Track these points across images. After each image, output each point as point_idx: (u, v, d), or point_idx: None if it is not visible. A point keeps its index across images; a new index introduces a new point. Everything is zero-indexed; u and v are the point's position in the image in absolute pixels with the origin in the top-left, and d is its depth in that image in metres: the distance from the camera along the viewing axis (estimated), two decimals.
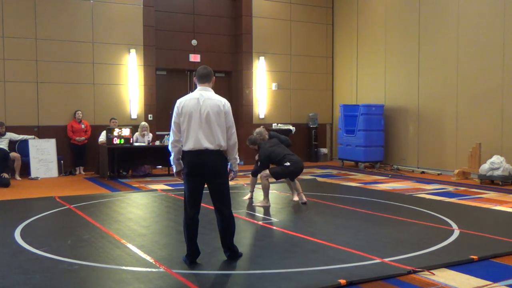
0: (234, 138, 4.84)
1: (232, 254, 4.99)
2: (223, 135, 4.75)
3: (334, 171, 13.02)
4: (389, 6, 13.85)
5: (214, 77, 4.95)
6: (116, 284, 4.29)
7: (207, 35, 14.27)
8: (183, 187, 4.86)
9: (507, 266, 4.80)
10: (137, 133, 12.05)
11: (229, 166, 4.94)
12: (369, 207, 7.85)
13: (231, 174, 4.97)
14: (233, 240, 4.99)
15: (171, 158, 4.86)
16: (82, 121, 12.23)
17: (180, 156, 4.84)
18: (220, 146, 4.74)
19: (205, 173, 4.72)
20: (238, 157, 4.95)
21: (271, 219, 6.88)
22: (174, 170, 4.94)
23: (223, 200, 4.84)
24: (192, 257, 4.83)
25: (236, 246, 5.05)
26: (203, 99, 4.74)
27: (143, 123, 12.25)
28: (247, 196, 8.43)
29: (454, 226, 6.40)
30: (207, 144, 4.67)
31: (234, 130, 4.84)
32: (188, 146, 4.70)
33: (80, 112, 12.19)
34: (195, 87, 4.94)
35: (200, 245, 5.50)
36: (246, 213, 7.28)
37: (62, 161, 12.05)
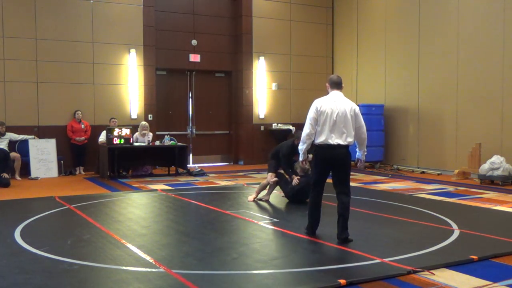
0: (365, 134, 5.76)
1: (347, 239, 5.58)
2: (350, 133, 5.60)
3: None
4: (389, 6, 13.85)
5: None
6: (116, 284, 4.29)
7: (207, 35, 14.27)
8: (312, 173, 5.86)
9: (507, 266, 4.79)
10: (137, 133, 12.04)
11: (359, 156, 5.86)
12: (369, 207, 7.85)
13: (362, 163, 5.88)
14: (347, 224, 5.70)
15: (303, 147, 5.73)
16: (82, 121, 12.23)
17: (309, 148, 5.77)
18: (348, 142, 5.60)
19: (334, 164, 5.62)
20: (366, 150, 5.88)
21: (271, 219, 6.88)
22: (301, 159, 5.87)
23: (345, 187, 5.68)
24: (313, 228, 5.85)
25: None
26: (338, 102, 5.67)
27: (143, 122, 12.24)
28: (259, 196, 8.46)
29: (454, 226, 6.40)
30: (338, 140, 5.55)
31: (364, 128, 5.76)
32: (322, 140, 5.58)
33: (80, 112, 12.19)
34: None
35: (200, 245, 5.52)
36: (246, 213, 7.28)
37: (62, 161, 12.05)
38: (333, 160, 5.59)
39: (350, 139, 5.60)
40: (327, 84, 5.93)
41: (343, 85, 5.89)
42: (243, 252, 5.28)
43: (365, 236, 5.95)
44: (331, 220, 6.91)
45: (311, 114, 5.64)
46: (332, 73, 15.83)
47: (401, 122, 13.52)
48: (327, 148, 5.57)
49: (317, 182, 5.78)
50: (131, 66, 13.00)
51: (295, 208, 7.75)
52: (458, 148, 11.90)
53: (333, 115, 5.56)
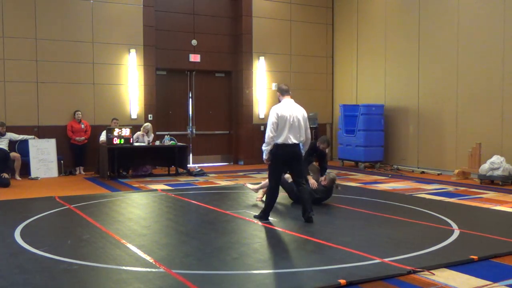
0: (309, 134, 6.85)
1: (310, 218, 6.63)
2: (302, 133, 6.70)
3: (334, 171, 12.96)
4: (389, 6, 13.85)
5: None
6: (116, 284, 4.29)
7: (207, 35, 14.27)
8: (270, 168, 6.72)
9: (507, 266, 4.80)
10: (138, 132, 12.02)
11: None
12: (369, 207, 7.85)
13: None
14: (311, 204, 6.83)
15: (267, 148, 6.62)
16: (82, 121, 12.21)
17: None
18: (301, 140, 6.72)
19: (291, 159, 6.66)
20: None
21: (271, 219, 6.88)
22: (265, 157, 6.69)
23: (302, 178, 6.85)
24: (267, 215, 6.77)
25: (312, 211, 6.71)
26: (292, 108, 6.68)
27: (148, 124, 12.21)
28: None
29: (454, 226, 6.40)
30: (294, 140, 6.60)
31: (309, 129, 6.83)
32: (281, 140, 6.55)
33: (79, 112, 12.17)
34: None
35: (200, 245, 5.52)
36: (246, 213, 7.28)
37: (62, 161, 12.05)
38: (289, 156, 6.63)
39: (302, 138, 6.73)
40: (277, 92, 6.92)
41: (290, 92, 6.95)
42: (243, 252, 5.28)
43: (365, 236, 5.95)
44: (331, 220, 6.93)
45: (272, 119, 6.57)
46: (332, 73, 15.86)
47: (401, 122, 13.52)
48: (285, 146, 6.57)
49: (276, 177, 6.74)
50: (131, 66, 13.00)
51: (295, 208, 7.74)
52: (458, 148, 11.90)
53: (290, 119, 6.58)
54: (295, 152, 6.65)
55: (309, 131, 6.83)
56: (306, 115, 6.80)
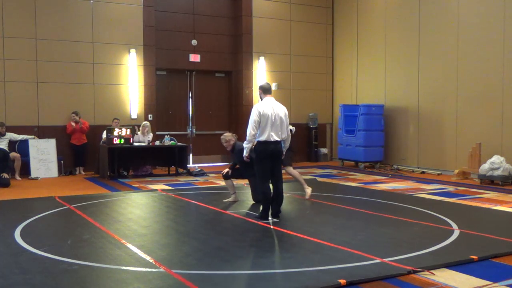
0: (289, 131, 6.99)
1: (278, 216, 6.89)
2: (284, 131, 6.83)
3: (334, 171, 13.02)
4: (389, 6, 13.85)
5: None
6: (116, 284, 4.29)
7: (207, 35, 14.27)
8: (257, 167, 6.80)
9: (507, 266, 4.79)
10: (139, 132, 12.02)
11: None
12: (369, 207, 7.85)
13: (283, 155, 7.03)
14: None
15: (248, 145, 6.79)
16: (81, 120, 12.15)
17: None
18: (282, 138, 6.83)
19: (273, 156, 6.75)
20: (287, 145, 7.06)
21: (271, 219, 6.88)
22: (245, 154, 6.87)
23: (279, 175, 6.93)
24: (267, 214, 6.82)
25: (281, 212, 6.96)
26: (274, 107, 6.80)
27: (146, 122, 12.23)
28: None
29: (454, 226, 6.40)
30: (276, 137, 6.72)
31: (289, 127, 6.99)
32: (264, 138, 6.67)
33: (74, 114, 12.03)
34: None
35: (200, 245, 5.52)
36: (246, 213, 7.28)
37: (62, 161, 12.04)
38: (272, 153, 6.73)
39: (283, 136, 6.85)
40: (259, 90, 7.03)
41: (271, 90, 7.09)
42: (243, 252, 5.28)
43: (365, 236, 5.95)
44: (331, 220, 6.93)
45: (254, 117, 6.68)
46: (332, 73, 15.86)
47: (401, 122, 13.52)
48: (268, 144, 6.69)
49: (264, 174, 6.78)
50: (131, 66, 13.00)
51: (295, 209, 7.75)
52: (458, 148, 11.90)
53: (272, 117, 6.70)
54: (277, 149, 6.76)
55: (289, 128, 7.00)
56: (287, 112, 6.95)
